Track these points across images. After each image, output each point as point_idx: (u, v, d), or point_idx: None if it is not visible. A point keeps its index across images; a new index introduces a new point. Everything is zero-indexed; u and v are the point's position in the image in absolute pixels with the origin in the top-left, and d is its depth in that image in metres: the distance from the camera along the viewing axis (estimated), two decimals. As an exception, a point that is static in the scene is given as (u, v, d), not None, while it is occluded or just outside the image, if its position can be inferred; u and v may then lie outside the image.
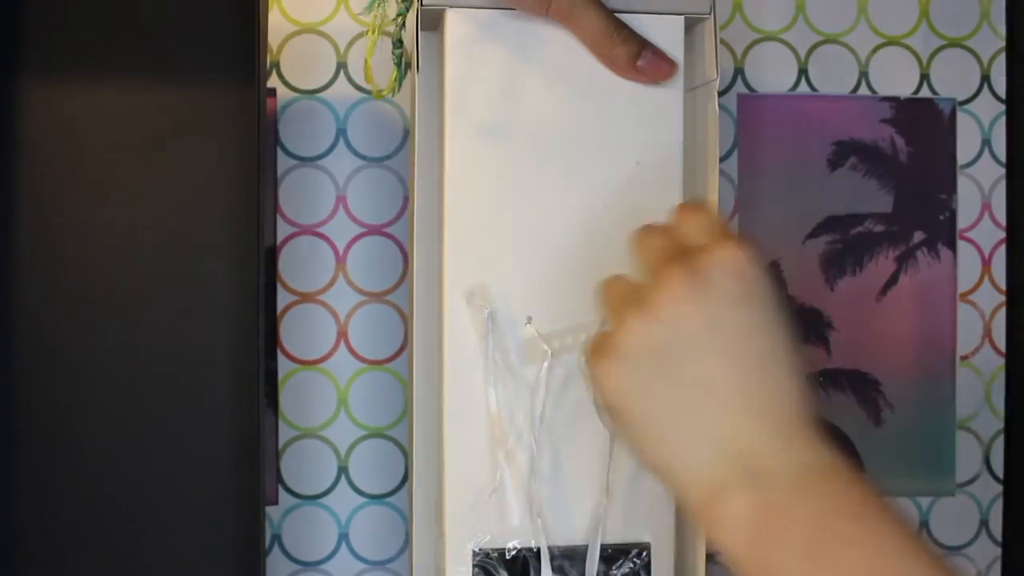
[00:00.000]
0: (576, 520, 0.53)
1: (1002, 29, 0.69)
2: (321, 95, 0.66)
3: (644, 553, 0.53)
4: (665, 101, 0.53)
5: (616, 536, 0.53)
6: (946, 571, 0.35)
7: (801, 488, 0.37)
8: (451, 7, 0.52)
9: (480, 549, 0.53)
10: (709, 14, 0.53)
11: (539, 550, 0.53)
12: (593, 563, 0.52)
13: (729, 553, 0.38)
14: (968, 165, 0.69)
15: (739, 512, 0.37)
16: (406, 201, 0.66)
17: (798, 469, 0.38)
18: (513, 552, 0.53)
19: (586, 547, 0.53)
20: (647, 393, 0.40)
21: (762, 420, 0.39)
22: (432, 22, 0.54)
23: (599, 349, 0.41)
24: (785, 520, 0.37)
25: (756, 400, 0.39)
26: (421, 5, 0.51)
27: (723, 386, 0.39)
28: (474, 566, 0.52)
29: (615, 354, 0.40)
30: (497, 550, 0.53)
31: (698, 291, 0.39)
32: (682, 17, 0.53)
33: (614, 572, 0.53)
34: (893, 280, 0.68)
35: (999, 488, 0.69)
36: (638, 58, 0.51)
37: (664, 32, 0.53)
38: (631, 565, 0.53)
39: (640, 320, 0.40)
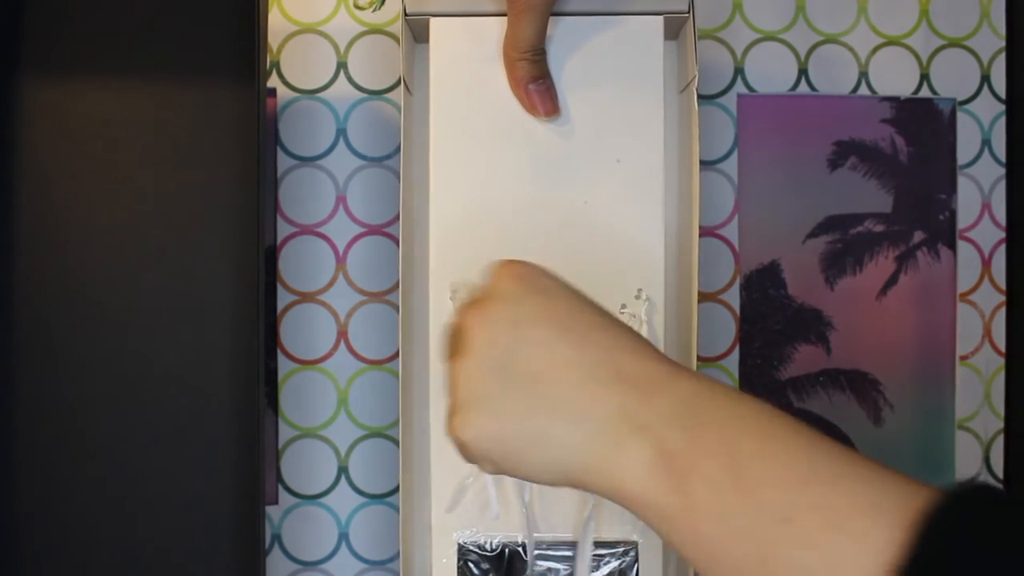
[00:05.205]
0: (562, 514, 0.54)
1: (1002, 29, 0.69)
2: (321, 95, 0.66)
3: (632, 551, 0.53)
4: (646, 101, 0.54)
5: (604, 533, 0.54)
6: (861, 457, 0.34)
7: (691, 420, 0.36)
8: (434, 16, 0.54)
9: (465, 542, 0.53)
10: (688, 13, 0.54)
11: (524, 544, 0.53)
12: (585, 562, 0.53)
13: (654, 517, 0.36)
14: (968, 165, 0.69)
15: (636, 472, 0.36)
16: (406, 201, 0.66)
17: (678, 403, 0.37)
18: (498, 546, 0.53)
19: (573, 542, 0.54)
20: (503, 421, 0.39)
21: (618, 378, 0.38)
22: (420, 33, 0.56)
23: (449, 414, 0.41)
24: (692, 457, 0.35)
25: (601, 365, 0.38)
26: (406, 15, 0.53)
27: (561, 368, 0.38)
28: (459, 558, 0.53)
29: (461, 408, 0.40)
30: (482, 544, 0.54)
31: (488, 312, 0.40)
32: (661, 17, 0.54)
33: (600, 569, 0.53)
34: (893, 280, 0.68)
35: (999, 488, 0.69)
36: (533, 82, 0.53)
37: (644, 32, 0.54)
38: (618, 563, 0.53)
39: (464, 363, 0.40)
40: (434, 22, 0.54)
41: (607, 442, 0.37)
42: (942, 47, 0.68)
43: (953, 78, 0.69)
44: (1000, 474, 0.69)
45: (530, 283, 0.40)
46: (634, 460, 0.36)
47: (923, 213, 0.68)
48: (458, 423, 0.40)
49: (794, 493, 0.33)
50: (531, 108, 0.54)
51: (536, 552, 0.53)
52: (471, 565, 0.53)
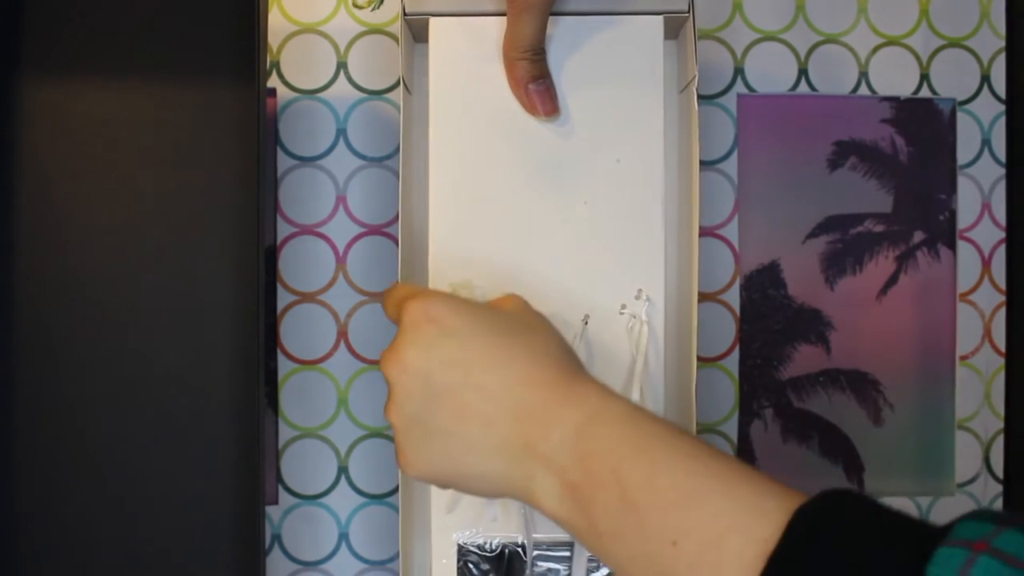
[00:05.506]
0: None
1: (1002, 29, 0.69)
2: (321, 95, 0.66)
3: None
4: (646, 101, 0.54)
5: None
6: (737, 470, 0.38)
7: (585, 450, 0.40)
8: (434, 15, 0.54)
9: (465, 543, 0.53)
10: (688, 13, 0.54)
11: (523, 544, 0.53)
12: (582, 561, 0.53)
13: (573, 534, 0.41)
14: (968, 165, 0.69)
15: (550, 499, 0.40)
16: (406, 201, 0.66)
17: (572, 435, 0.40)
18: (498, 547, 0.53)
19: (572, 543, 0.54)
20: (433, 464, 0.43)
21: (519, 414, 0.41)
22: (419, 33, 0.55)
23: (396, 453, 0.45)
24: (588, 488, 0.39)
25: (504, 404, 0.41)
26: (405, 15, 0.53)
27: (471, 413, 0.42)
28: (459, 559, 0.53)
29: (399, 451, 0.44)
30: (482, 544, 0.54)
31: (402, 360, 0.43)
32: (661, 17, 0.54)
33: (600, 569, 0.53)
34: (893, 280, 0.68)
35: (999, 488, 0.69)
36: (533, 82, 0.53)
37: (644, 31, 0.54)
38: None
39: (391, 413, 0.44)
40: (433, 22, 0.54)
41: (521, 474, 0.41)
42: (942, 47, 0.68)
43: (953, 78, 0.69)
44: (1000, 474, 0.69)
45: (441, 325, 0.43)
46: (544, 489, 0.41)
47: (923, 213, 0.68)
48: (402, 464, 0.44)
49: (677, 517, 0.37)
50: (531, 108, 0.54)
51: (536, 553, 0.53)
52: (471, 565, 0.53)
